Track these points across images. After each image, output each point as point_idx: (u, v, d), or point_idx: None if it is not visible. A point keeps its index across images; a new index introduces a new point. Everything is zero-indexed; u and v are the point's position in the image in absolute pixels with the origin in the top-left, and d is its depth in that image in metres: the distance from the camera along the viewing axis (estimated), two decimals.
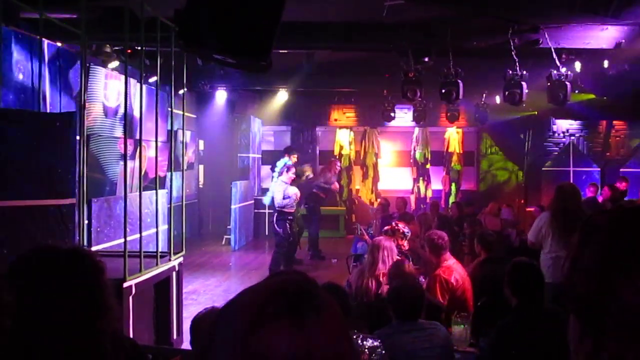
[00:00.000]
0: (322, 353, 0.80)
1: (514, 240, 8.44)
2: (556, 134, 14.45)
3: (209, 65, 9.55)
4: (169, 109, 7.45)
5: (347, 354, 0.84)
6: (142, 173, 6.67)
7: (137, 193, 6.04)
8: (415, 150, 15.80)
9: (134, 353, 2.00)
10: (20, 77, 6.24)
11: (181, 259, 6.39)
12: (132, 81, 7.43)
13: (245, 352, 0.79)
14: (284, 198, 9.52)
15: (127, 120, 5.85)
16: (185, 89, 7.02)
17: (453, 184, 15.76)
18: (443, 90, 8.65)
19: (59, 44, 7.10)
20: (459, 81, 8.53)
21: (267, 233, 13.39)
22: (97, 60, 8.48)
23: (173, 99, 6.96)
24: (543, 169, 13.83)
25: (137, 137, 7.91)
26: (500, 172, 15.88)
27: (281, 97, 14.10)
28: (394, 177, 15.95)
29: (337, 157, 15.34)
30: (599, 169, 13.65)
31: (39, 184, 4.51)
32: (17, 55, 6.18)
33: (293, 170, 9.77)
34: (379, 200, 12.60)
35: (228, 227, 12.77)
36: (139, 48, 5.98)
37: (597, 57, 8.59)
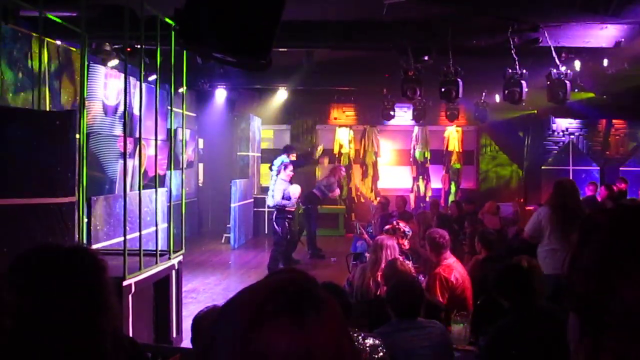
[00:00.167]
0: (322, 351, 0.80)
1: (514, 238, 8.42)
2: (556, 133, 14.46)
3: (208, 64, 9.53)
4: (169, 108, 7.44)
5: (347, 352, 0.83)
6: (142, 171, 6.67)
7: (137, 191, 6.04)
8: (414, 149, 15.80)
9: (133, 352, 2.00)
10: (20, 75, 6.23)
11: (181, 258, 6.39)
12: (132, 80, 7.44)
13: (245, 350, 0.79)
14: (284, 198, 9.52)
15: (127, 119, 5.85)
16: (185, 88, 7.02)
17: (453, 183, 15.77)
18: (443, 89, 8.64)
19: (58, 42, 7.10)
20: (459, 80, 8.52)
21: (266, 231, 13.41)
22: (97, 58, 8.48)
23: (173, 98, 6.95)
24: (542, 167, 13.84)
25: (137, 135, 7.92)
26: (499, 171, 15.88)
27: (281, 95, 14.09)
28: (394, 176, 15.95)
29: (337, 155, 15.35)
30: (598, 168, 13.66)
31: (39, 182, 4.51)
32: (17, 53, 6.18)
33: (291, 167, 9.76)
34: (378, 199, 12.61)
35: (227, 225, 12.76)
36: (139, 46, 5.98)
37: (596, 56, 8.59)
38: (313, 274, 0.91)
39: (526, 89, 8.38)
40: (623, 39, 7.73)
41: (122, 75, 6.65)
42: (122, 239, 5.37)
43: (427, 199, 14.97)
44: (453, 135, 15.75)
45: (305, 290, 0.84)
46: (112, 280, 1.86)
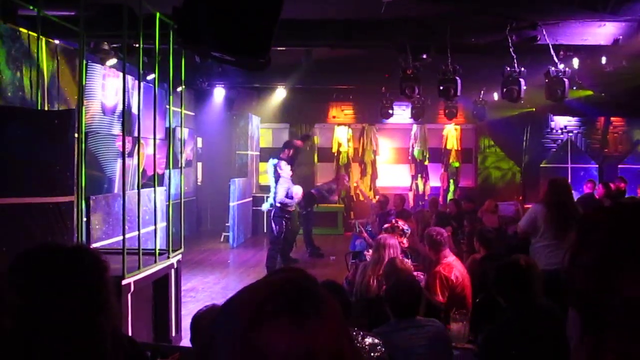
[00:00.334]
0: (322, 351, 0.79)
1: (513, 236, 8.42)
2: (554, 131, 14.47)
3: (207, 63, 9.53)
4: (167, 107, 7.44)
5: (347, 351, 0.83)
6: (141, 170, 6.67)
7: (136, 190, 6.04)
8: (413, 147, 15.80)
9: (132, 351, 2.00)
10: (18, 74, 6.23)
11: (179, 257, 6.39)
12: (130, 79, 7.42)
13: (244, 349, 0.79)
14: (287, 196, 9.53)
15: (125, 118, 5.84)
16: (184, 87, 7.01)
17: (451, 181, 15.77)
18: (441, 87, 8.64)
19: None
20: (457, 78, 8.52)
21: (265, 230, 13.40)
22: (95, 57, 8.47)
23: (171, 97, 6.95)
24: (541, 165, 13.84)
25: (136, 134, 7.93)
26: (498, 169, 15.89)
27: (279, 94, 14.09)
28: (392, 174, 15.95)
29: (336, 154, 15.35)
30: (596, 166, 13.67)
31: (38, 181, 4.51)
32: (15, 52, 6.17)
33: (284, 163, 9.83)
34: (377, 197, 12.61)
35: (226, 224, 12.77)
36: (137, 45, 5.97)
37: (595, 54, 8.59)
38: (312, 273, 0.91)
39: (524, 87, 8.38)
40: (621, 37, 7.73)
41: (121, 74, 6.64)
42: (121, 238, 5.36)
43: (426, 197, 14.98)
44: (452, 134, 15.76)
45: (305, 290, 0.84)
46: (112, 279, 1.85)
